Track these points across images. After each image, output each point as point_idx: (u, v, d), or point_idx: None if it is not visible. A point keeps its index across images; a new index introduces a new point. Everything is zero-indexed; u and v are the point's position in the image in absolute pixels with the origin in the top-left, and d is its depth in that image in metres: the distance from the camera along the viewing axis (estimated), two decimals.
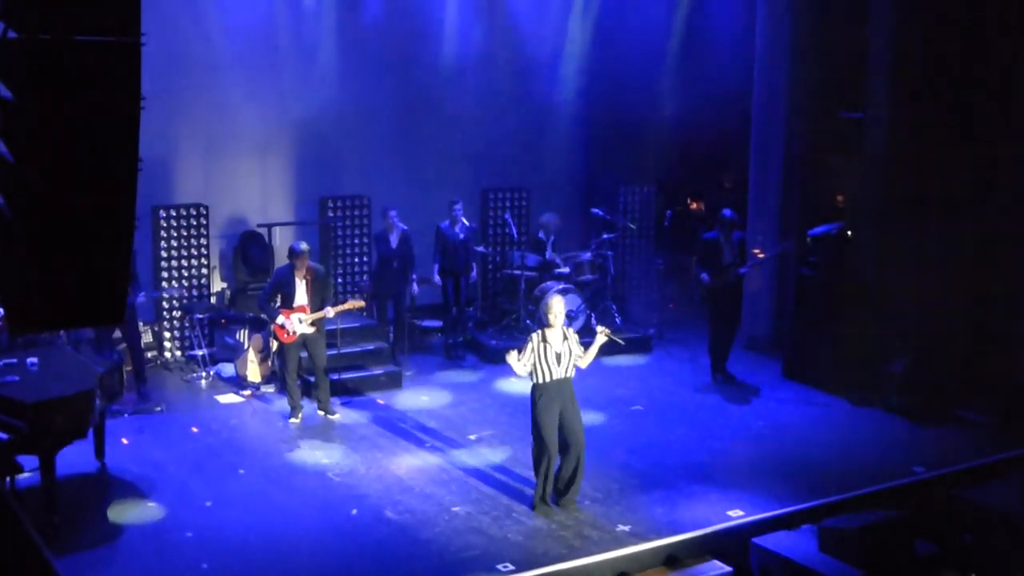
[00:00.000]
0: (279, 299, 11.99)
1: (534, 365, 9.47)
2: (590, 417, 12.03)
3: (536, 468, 9.74)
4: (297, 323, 11.91)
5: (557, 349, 9.48)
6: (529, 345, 9.50)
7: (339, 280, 15.35)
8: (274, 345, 12.76)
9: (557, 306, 9.59)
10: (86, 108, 3.54)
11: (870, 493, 10.11)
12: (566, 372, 9.55)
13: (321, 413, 12.27)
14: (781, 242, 14.66)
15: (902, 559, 8.73)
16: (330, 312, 12.02)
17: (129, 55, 3.66)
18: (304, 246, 12.07)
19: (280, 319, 11.88)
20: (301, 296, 11.95)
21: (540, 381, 9.51)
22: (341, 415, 12.34)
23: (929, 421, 12.19)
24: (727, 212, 13.69)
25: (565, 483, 9.75)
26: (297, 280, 11.96)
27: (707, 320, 13.94)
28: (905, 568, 8.67)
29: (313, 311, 11.95)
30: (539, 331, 9.59)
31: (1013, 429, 11.65)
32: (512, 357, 9.53)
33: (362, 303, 13.02)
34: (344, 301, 12.71)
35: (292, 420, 12.05)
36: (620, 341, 10.54)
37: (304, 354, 12.22)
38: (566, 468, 9.72)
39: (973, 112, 12.45)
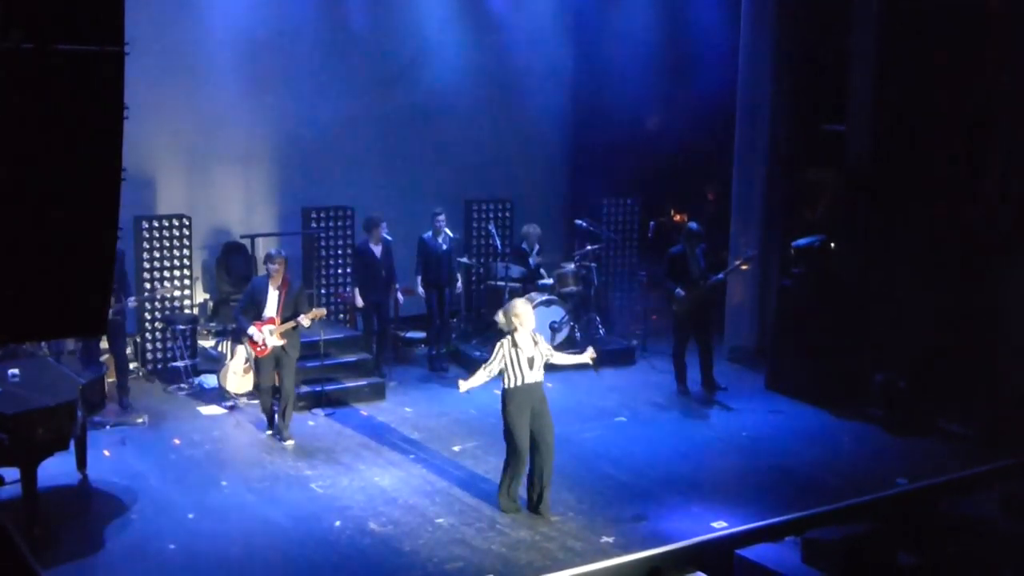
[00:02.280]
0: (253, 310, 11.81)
1: (505, 370, 9.55)
2: (573, 429, 12.09)
3: (504, 469, 9.87)
4: (268, 335, 11.76)
5: (529, 353, 9.58)
6: (499, 351, 9.59)
7: (322, 291, 15.32)
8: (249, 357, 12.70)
9: (522, 308, 9.69)
10: (69, 117, 3.52)
11: (853, 505, 10.12)
12: (538, 376, 9.63)
13: (269, 432, 11.95)
14: (748, 251, 14.63)
15: (885, 571, 8.74)
16: (304, 320, 11.69)
17: (113, 64, 3.65)
18: (280, 252, 11.98)
19: (251, 330, 11.71)
20: (272, 307, 11.73)
21: (512, 386, 9.59)
22: (325, 426, 12.32)
23: (911, 433, 12.22)
24: (693, 225, 13.77)
25: (538, 491, 9.82)
26: (271, 290, 11.77)
27: (672, 332, 13.95)
28: None
29: (283, 323, 11.79)
30: (508, 336, 9.64)
31: (995, 441, 11.69)
32: (467, 384, 9.79)
33: (324, 311, 12.73)
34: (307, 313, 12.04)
35: (269, 432, 11.92)
36: (596, 370, 10.58)
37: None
38: (536, 474, 9.80)
39: (956, 125, 12.50)
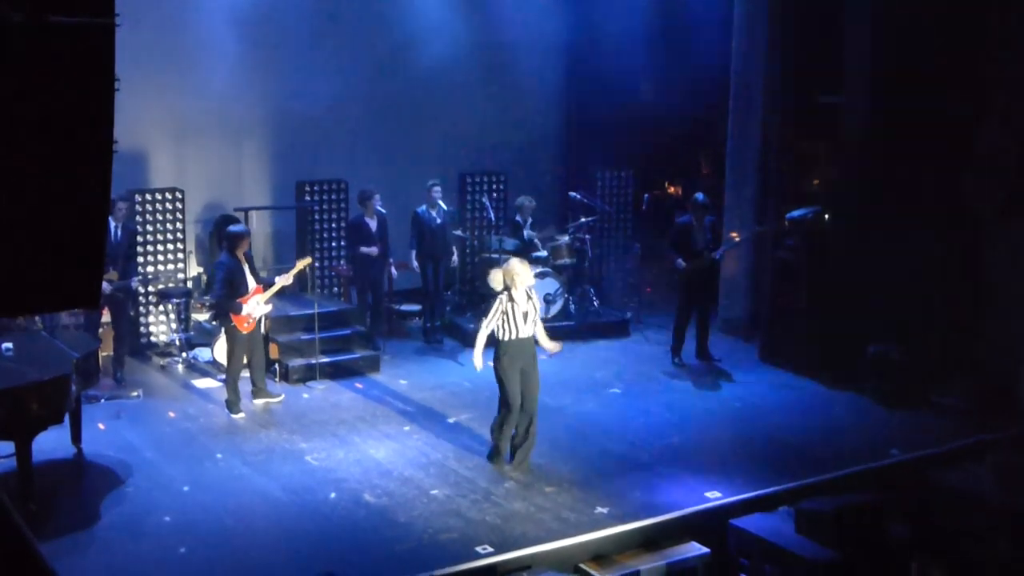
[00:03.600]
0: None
1: (501, 323, 9.92)
2: (567, 400, 12.14)
3: (495, 421, 10.26)
4: (255, 306, 11.78)
5: (524, 308, 9.98)
6: (497, 306, 9.95)
7: (316, 264, 15.29)
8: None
9: (519, 267, 10.06)
10: (60, 90, 3.51)
11: (846, 476, 10.16)
12: (532, 331, 10.04)
13: (261, 402, 12.05)
14: (756, 225, 14.69)
15: (877, 541, 8.79)
16: (288, 278, 11.97)
17: (104, 37, 3.63)
18: (242, 227, 12.16)
19: (244, 309, 11.69)
20: (250, 279, 11.79)
21: (506, 339, 9.99)
22: (320, 399, 12.36)
23: (904, 404, 12.24)
24: (700, 196, 13.75)
25: (519, 442, 10.20)
26: (244, 263, 11.82)
27: (676, 304, 13.97)
28: (879, 549, 8.73)
29: (265, 289, 11.88)
30: (505, 292, 9.97)
31: (987, 413, 11.72)
32: (477, 354, 10.13)
33: (309, 259, 13.06)
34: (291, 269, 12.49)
35: (237, 415, 11.78)
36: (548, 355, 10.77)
37: None
38: (520, 428, 10.17)
39: (950, 98, 12.48)
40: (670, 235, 13.81)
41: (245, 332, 11.76)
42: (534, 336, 10.19)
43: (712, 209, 13.87)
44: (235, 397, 11.85)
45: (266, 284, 11.96)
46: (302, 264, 12.64)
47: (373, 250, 14.02)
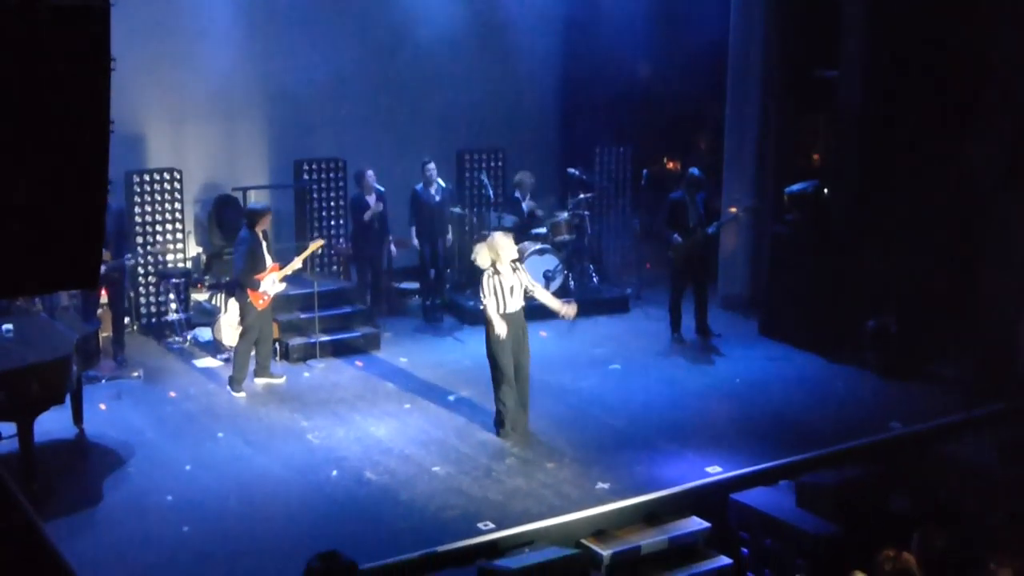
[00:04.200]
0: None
1: (492, 298, 10.14)
2: (567, 377, 12.16)
3: (496, 395, 10.38)
4: (271, 284, 11.83)
5: (510, 282, 10.16)
6: (487, 281, 10.17)
7: None
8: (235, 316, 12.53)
9: (502, 241, 10.27)
10: (56, 72, 3.51)
11: (846, 449, 10.19)
12: (519, 304, 10.25)
13: (263, 381, 12.04)
14: (751, 200, 14.65)
15: (877, 513, 8.81)
16: (298, 262, 12.05)
17: (99, 17, 3.62)
18: (264, 204, 12.14)
19: (263, 286, 11.73)
20: (268, 257, 11.85)
21: (497, 313, 10.17)
22: (320, 377, 12.38)
23: (904, 377, 12.27)
24: (694, 171, 13.73)
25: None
26: (263, 241, 11.87)
27: (669, 280, 13.96)
28: (880, 522, 8.75)
29: (282, 268, 11.91)
30: (490, 267, 10.18)
31: (988, 385, 11.73)
32: (491, 308, 10.21)
33: (321, 241, 13.27)
34: (305, 249, 12.66)
35: (238, 394, 11.78)
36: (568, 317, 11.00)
37: None
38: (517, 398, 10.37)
39: (948, 70, 12.44)
40: (663, 212, 13.78)
41: (260, 309, 11.77)
42: (523, 309, 10.37)
43: (706, 185, 13.83)
44: (241, 375, 11.84)
45: (282, 263, 11.99)
46: (315, 246, 12.76)
47: (371, 211, 14.00)
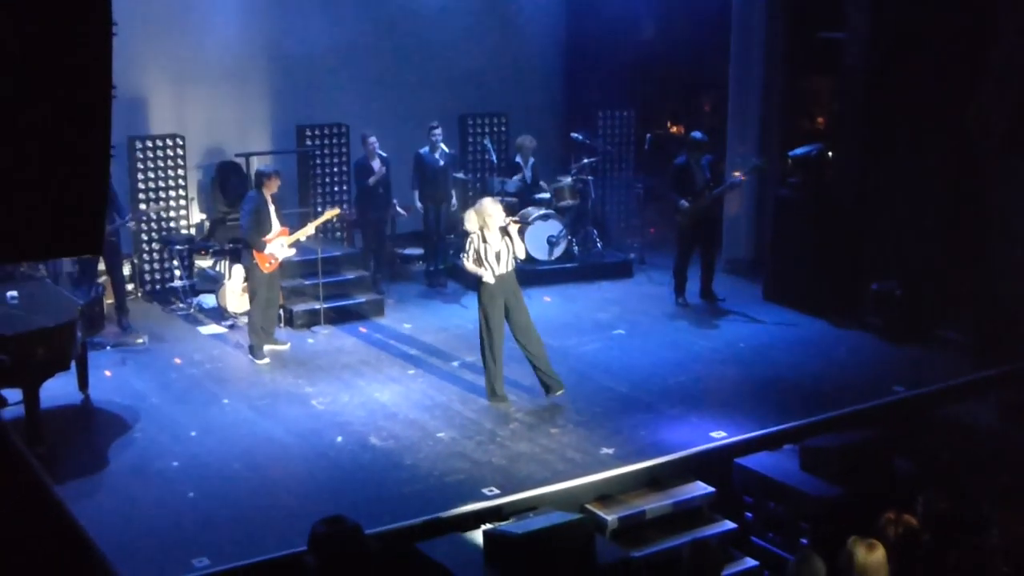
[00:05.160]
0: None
1: (477, 262, 10.15)
2: (572, 342, 12.16)
3: (483, 358, 10.40)
4: (279, 248, 11.82)
5: (496, 248, 10.13)
6: (471, 245, 10.16)
7: (318, 209, 15.22)
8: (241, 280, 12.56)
9: (490, 207, 10.24)
10: (57, 36, 3.49)
11: (850, 413, 10.18)
12: (507, 268, 10.21)
13: (268, 347, 11.97)
14: (755, 159, 14.53)
15: (881, 476, 8.83)
16: (311, 228, 12.09)
17: None
18: (272, 167, 12.07)
19: (269, 248, 11.71)
20: (276, 220, 11.84)
21: (485, 279, 10.20)
22: (324, 343, 12.40)
23: (908, 341, 12.26)
24: (696, 134, 13.68)
25: (544, 375, 10.37)
26: (271, 204, 11.84)
27: (676, 243, 13.94)
28: (884, 485, 8.77)
29: (291, 233, 11.89)
30: (478, 231, 10.16)
31: (991, 348, 11.72)
32: (468, 263, 10.27)
33: (337, 210, 13.27)
34: (320, 215, 12.81)
35: (261, 361, 11.75)
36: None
37: None
38: (536, 362, 10.35)
39: (954, 31, 12.35)
40: (669, 177, 13.74)
41: (266, 272, 11.73)
42: (515, 270, 10.40)
43: (710, 147, 13.78)
44: (259, 342, 11.80)
45: (292, 228, 11.97)
46: (330, 214, 12.84)
47: (375, 176, 13.96)
